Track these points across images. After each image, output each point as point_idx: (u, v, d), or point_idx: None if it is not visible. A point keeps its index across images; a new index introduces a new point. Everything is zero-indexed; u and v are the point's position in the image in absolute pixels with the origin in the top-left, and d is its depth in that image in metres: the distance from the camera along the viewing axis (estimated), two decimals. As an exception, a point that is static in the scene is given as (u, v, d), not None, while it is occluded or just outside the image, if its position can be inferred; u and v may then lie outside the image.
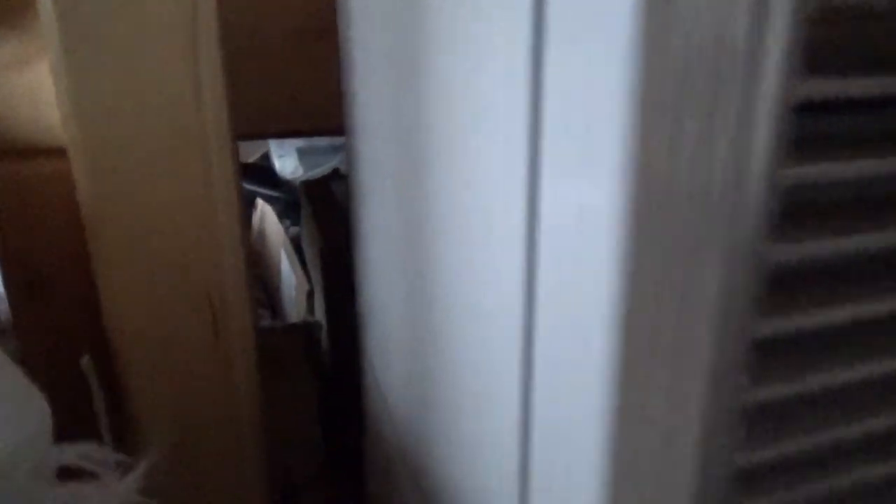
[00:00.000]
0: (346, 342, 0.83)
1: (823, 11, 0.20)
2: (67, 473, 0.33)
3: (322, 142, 1.14)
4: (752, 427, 0.25)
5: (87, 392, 0.61)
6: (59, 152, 0.60)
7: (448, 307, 0.35)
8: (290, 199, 1.13)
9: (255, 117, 0.70)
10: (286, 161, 1.18)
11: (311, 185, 0.99)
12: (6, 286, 0.62)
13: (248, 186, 1.12)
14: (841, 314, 0.25)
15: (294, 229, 1.11)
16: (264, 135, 0.99)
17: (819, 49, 0.20)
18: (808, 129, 0.22)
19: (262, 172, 1.17)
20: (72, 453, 0.31)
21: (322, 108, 0.69)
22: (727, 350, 0.23)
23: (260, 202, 1.13)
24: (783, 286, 0.24)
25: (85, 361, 0.60)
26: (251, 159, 1.22)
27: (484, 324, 0.31)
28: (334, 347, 0.85)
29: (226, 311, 0.52)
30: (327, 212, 0.92)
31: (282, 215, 1.12)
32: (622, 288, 0.21)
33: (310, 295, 0.93)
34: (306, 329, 0.84)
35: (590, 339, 0.22)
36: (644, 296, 0.21)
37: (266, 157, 1.23)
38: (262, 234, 1.13)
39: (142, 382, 0.54)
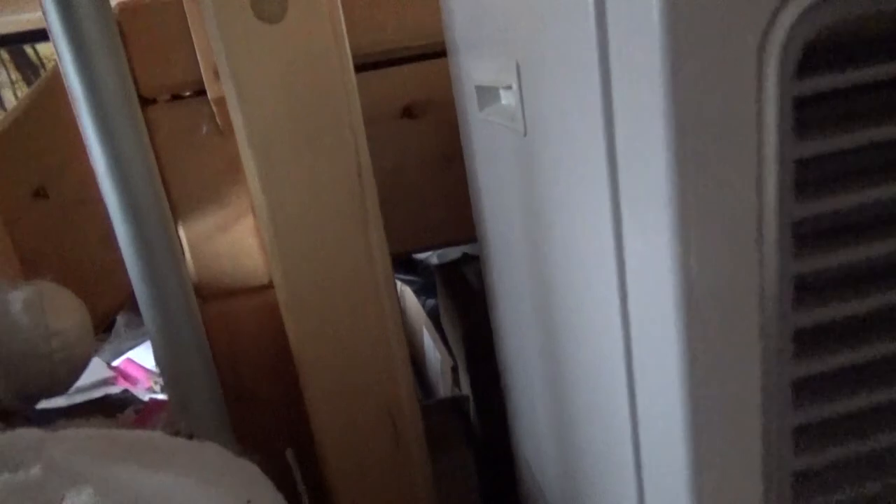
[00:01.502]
0: (493, 416, 0.93)
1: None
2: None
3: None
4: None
5: (288, 481, 0.75)
6: (256, 290, 0.76)
7: (579, 393, 0.44)
8: (425, 279, 1.26)
9: (400, 240, 0.83)
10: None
11: (444, 270, 1.11)
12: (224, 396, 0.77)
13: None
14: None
15: (430, 302, 1.23)
16: (410, 252, 1.12)
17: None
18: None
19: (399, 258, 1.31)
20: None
21: (455, 224, 0.82)
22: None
23: (399, 283, 1.27)
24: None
25: (289, 453, 0.74)
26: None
27: (597, 387, 0.39)
28: (483, 420, 0.96)
29: (403, 423, 0.64)
30: (462, 294, 1.03)
31: (418, 292, 1.25)
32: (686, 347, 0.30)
33: (454, 370, 1.04)
34: (456, 403, 0.95)
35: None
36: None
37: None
38: (403, 313, 1.26)
39: (338, 483, 0.68)
